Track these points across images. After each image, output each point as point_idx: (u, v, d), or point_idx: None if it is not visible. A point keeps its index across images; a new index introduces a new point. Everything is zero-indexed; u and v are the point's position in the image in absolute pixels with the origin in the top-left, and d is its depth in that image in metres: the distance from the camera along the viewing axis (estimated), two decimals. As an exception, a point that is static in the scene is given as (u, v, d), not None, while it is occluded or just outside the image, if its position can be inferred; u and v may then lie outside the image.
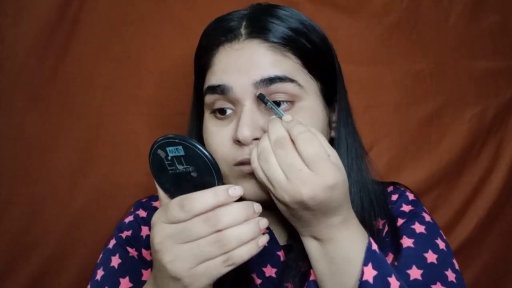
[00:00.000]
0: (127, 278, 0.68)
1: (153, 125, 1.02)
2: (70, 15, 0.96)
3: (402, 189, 0.75)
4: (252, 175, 0.59)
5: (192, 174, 0.50)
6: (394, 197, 0.73)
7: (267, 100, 0.57)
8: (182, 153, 0.49)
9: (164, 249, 0.48)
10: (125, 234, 0.72)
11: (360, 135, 0.73)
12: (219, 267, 0.47)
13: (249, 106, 0.59)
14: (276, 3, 0.67)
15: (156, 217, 0.50)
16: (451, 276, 0.62)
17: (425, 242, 0.65)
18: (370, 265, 0.54)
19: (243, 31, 0.61)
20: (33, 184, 0.97)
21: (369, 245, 0.56)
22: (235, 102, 0.60)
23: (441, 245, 0.65)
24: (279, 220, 0.68)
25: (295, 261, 0.64)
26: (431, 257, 0.63)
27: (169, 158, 0.50)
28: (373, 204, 0.67)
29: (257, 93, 0.58)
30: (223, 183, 0.50)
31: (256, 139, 0.58)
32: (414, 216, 0.68)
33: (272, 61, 0.59)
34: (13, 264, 0.97)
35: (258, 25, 0.61)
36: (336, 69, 0.68)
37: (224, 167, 0.61)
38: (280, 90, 0.59)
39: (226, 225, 0.47)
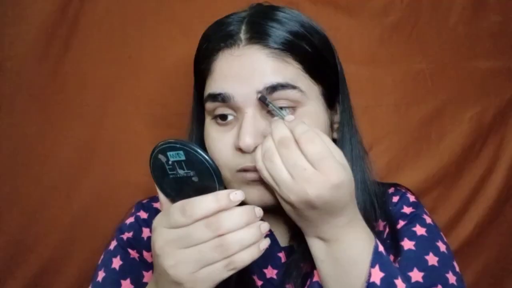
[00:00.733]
0: (128, 280, 0.67)
1: (153, 125, 1.02)
2: (70, 15, 0.96)
3: (403, 190, 0.75)
4: (255, 182, 0.59)
5: (193, 178, 0.50)
6: (395, 199, 0.72)
7: (269, 102, 0.57)
8: (183, 157, 0.49)
9: (166, 254, 0.48)
10: (126, 235, 0.72)
11: (361, 135, 0.73)
12: (221, 272, 0.47)
13: (250, 113, 0.58)
14: (276, 4, 0.66)
15: (157, 222, 0.50)
16: (452, 278, 0.62)
17: (426, 244, 0.64)
18: (377, 267, 0.54)
19: (242, 36, 0.59)
20: (33, 183, 0.97)
21: (376, 246, 0.55)
22: (236, 109, 0.59)
23: (442, 247, 0.65)
24: (280, 221, 0.68)
25: (297, 263, 0.63)
26: (432, 259, 0.63)
27: (170, 162, 0.50)
28: (374, 206, 0.67)
29: (258, 96, 0.58)
30: (224, 188, 0.50)
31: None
32: (415, 218, 0.68)
33: (273, 68, 0.58)
34: (13, 264, 0.97)
35: (258, 30, 0.59)
36: (338, 70, 0.67)
37: (226, 173, 0.60)
38: (282, 97, 0.58)
39: (228, 230, 0.47)
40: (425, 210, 0.72)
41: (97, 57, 0.99)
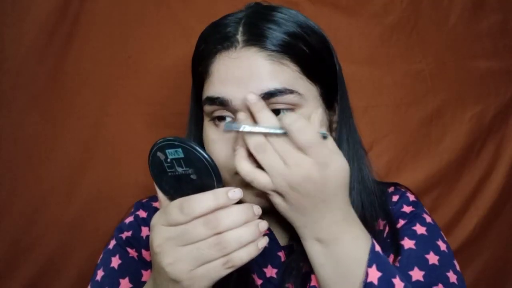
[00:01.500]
0: (127, 279, 0.67)
1: (153, 125, 1.02)
2: (70, 15, 0.96)
3: (403, 190, 0.75)
4: None
5: (191, 176, 0.50)
6: (395, 198, 0.72)
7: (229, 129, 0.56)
8: (181, 155, 0.49)
9: (164, 252, 0.47)
10: (125, 234, 0.72)
11: (360, 135, 0.73)
12: (219, 270, 0.47)
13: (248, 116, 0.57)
14: (273, 4, 0.66)
15: (156, 220, 0.50)
16: (452, 277, 0.62)
17: (426, 243, 0.64)
18: (374, 266, 0.54)
19: (239, 38, 0.59)
20: (33, 183, 0.97)
21: (373, 246, 0.55)
22: (234, 112, 0.59)
23: (442, 246, 0.65)
24: (279, 221, 0.68)
25: (296, 262, 0.63)
26: (432, 258, 0.63)
27: (169, 160, 0.50)
28: (374, 205, 0.67)
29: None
30: (222, 186, 0.50)
31: None
32: (415, 217, 0.68)
33: (270, 72, 0.57)
34: (13, 264, 0.97)
35: (255, 32, 0.59)
36: (337, 70, 0.67)
37: (225, 175, 0.60)
38: (280, 101, 0.58)
39: (226, 228, 0.47)
40: (425, 209, 0.71)
41: (97, 57, 0.99)
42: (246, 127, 0.54)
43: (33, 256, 0.98)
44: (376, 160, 1.09)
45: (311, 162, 0.51)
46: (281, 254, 0.67)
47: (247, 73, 0.57)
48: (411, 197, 0.73)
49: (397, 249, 0.64)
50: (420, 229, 0.66)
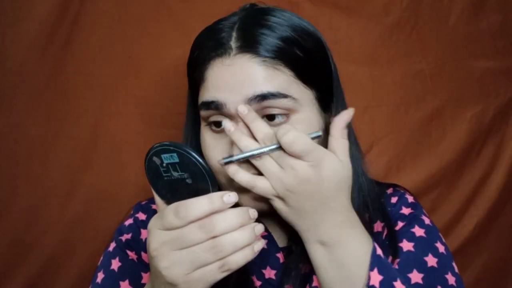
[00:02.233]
0: (127, 281, 0.68)
1: (153, 125, 1.02)
2: (70, 15, 0.96)
3: (402, 191, 0.75)
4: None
5: (187, 180, 0.50)
6: (394, 200, 0.72)
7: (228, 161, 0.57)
8: (176, 160, 0.49)
9: (160, 256, 0.48)
10: (125, 237, 0.72)
11: (360, 135, 0.73)
12: (214, 273, 0.47)
13: (243, 123, 0.58)
14: (268, 6, 0.66)
15: (152, 224, 0.50)
16: (451, 279, 0.62)
17: (425, 245, 0.64)
18: (376, 270, 0.54)
19: (233, 44, 0.59)
20: (33, 183, 0.98)
21: (374, 249, 0.55)
22: (230, 117, 0.59)
23: (441, 248, 0.65)
24: (278, 223, 0.68)
25: (295, 263, 0.63)
26: (431, 260, 0.63)
27: (164, 165, 0.50)
28: (371, 207, 0.67)
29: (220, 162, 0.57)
30: (218, 190, 0.50)
31: None
32: (413, 219, 0.68)
33: (264, 76, 0.57)
34: (13, 264, 0.97)
35: (248, 38, 0.58)
36: (332, 72, 0.66)
37: (222, 179, 0.60)
38: (274, 105, 0.58)
39: (221, 231, 0.47)
40: (424, 211, 0.71)
41: (97, 57, 0.99)
42: (240, 155, 0.55)
43: (33, 256, 0.98)
44: (376, 160, 1.09)
45: (305, 164, 0.52)
46: (279, 255, 0.67)
47: (241, 79, 0.57)
48: (410, 199, 0.72)
49: (396, 252, 0.63)
50: (418, 231, 0.66)
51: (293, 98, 0.58)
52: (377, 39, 1.09)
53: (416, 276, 0.61)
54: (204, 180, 0.50)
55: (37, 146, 0.97)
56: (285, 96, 0.57)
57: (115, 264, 0.69)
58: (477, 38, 1.14)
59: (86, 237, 1.00)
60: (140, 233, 0.73)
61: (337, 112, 0.65)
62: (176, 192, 0.51)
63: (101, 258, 0.71)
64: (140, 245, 0.72)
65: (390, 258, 0.63)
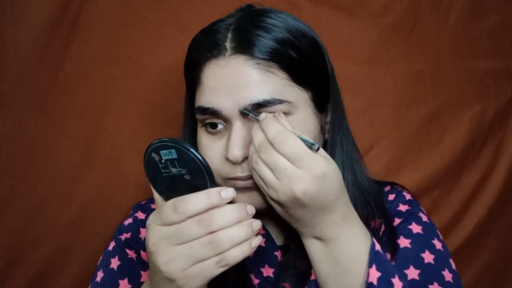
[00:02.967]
0: (126, 280, 0.68)
1: (153, 125, 1.02)
2: (70, 15, 0.96)
3: (399, 189, 0.75)
4: (245, 188, 0.60)
5: (185, 176, 0.51)
6: (391, 197, 0.72)
7: (245, 111, 0.57)
8: (175, 156, 0.50)
9: (159, 251, 0.48)
10: (124, 236, 0.72)
11: (360, 135, 0.73)
12: (212, 268, 0.48)
13: (238, 125, 0.58)
14: (264, 7, 0.66)
15: (151, 219, 0.51)
16: (448, 276, 0.62)
17: (422, 242, 0.65)
18: (374, 266, 0.54)
19: (228, 45, 0.59)
20: (33, 184, 0.98)
21: (373, 245, 0.56)
22: (225, 120, 0.60)
23: (438, 245, 0.65)
24: (276, 221, 0.68)
25: (293, 261, 0.64)
26: (428, 257, 0.63)
27: (163, 161, 0.51)
28: (369, 205, 0.67)
29: (240, 112, 0.58)
30: (216, 185, 0.51)
31: (247, 157, 0.58)
32: (410, 216, 0.68)
33: (258, 81, 0.57)
34: (13, 264, 0.97)
35: (244, 39, 0.59)
36: (329, 73, 0.66)
37: (218, 179, 0.61)
38: (270, 111, 0.58)
39: (219, 227, 0.47)
40: (421, 208, 0.71)
41: (97, 57, 0.99)
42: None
43: (33, 256, 0.99)
44: (376, 160, 1.09)
45: (306, 176, 0.51)
46: (277, 253, 0.67)
47: (235, 82, 0.58)
48: (407, 196, 0.73)
49: (393, 248, 0.64)
50: (416, 228, 0.66)
51: (289, 102, 0.58)
52: (377, 39, 1.09)
53: (412, 272, 0.61)
54: (202, 176, 0.50)
55: (37, 146, 0.97)
56: (280, 101, 0.58)
57: (115, 263, 0.69)
58: (477, 38, 1.14)
59: (85, 237, 1.00)
60: (139, 232, 0.73)
61: (334, 112, 0.66)
62: (175, 188, 0.51)
63: (101, 257, 0.72)
64: (139, 244, 0.72)
65: (388, 255, 0.63)
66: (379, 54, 1.09)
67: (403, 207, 0.70)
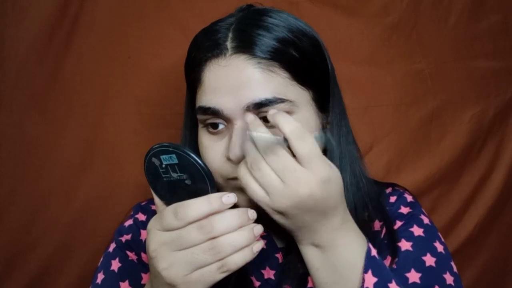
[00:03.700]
0: (127, 282, 0.68)
1: (153, 125, 1.02)
2: (70, 15, 0.96)
3: (401, 190, 0.75)
4: None
5: (186, 182, 0.50)
6: (393, 199, 0.72)
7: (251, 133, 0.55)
8: (175, 161, 0.50)
9: (159, 257, 0.48)
10: (125, 238, 0.72)
11: (360, 135, 0.73)
12: (213, 274, 0.47)
13: (239, 125, 0.58)
14: (264, 7, 0.66)
15: (151, 225, 0.50)
16: (449, 279, 0.62)
17: (423, 245, 0.64)
18: (370, 272, 0.54)
19: (229, 45, 0.58)
20: (33, 183, 0.98)
21: (369, 251, 0.55)
22: (226, 120, 0.59)
23: (439, 248, 0.65)
24: (277, 223, 0.68)
25: (294, 263, 0.63)
26: (429, 260, 0.63)
27: (163, 166, 0.51)
28: (368, 206, 0.67)
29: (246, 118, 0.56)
30: (217, 191, 0.50)
31: None
32: (412, 219, 0.68)
33: (260, 81, 0.57)
34: (13, 263, 0.97)
35: (245, 39, 0.58)
36: (329, 72, 0.66)
37: (219, 179, 0.60)
38: (271, 109, 0.57)
39: (220, 232, 0.47)
40: (423, 210, 0.71)
41: (97, 57, 0.99)
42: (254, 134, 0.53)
43: (33, 256, 0.98)
44: (376, 160, 1.09)
45: (312, 179, 0.50)
46: (278, 255, 0.67)
47: (237, 82, 0.57)
48: (409, 198, 0.72)
49: (394, 251, 0.63)
50: (417, 231, 0.66)
51: (290, 101, 0.58)
52: (377, 39, 1.09)
53: (414, 276, 0.61)
54: (203, 181, 0.50)
55: (37, 146, 0.97)
56: (282, 100, 0.57)
57: (115, 264, 0.69)
58: (477, 38, 1.14)
59: (85, 237, 1.00)
60: (140, 234, 0.73)
61: (334, 112, 0.65)
62: (175, 193, 0.51)
63: (101, 259, 0.71)
64: (140, 246, 0.72)
65: (389, 258, 0.63)
66: (379, 54, 1.09)
67: (404, 209, 0.70)
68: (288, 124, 0.51)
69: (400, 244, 0.64)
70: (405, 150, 1.12)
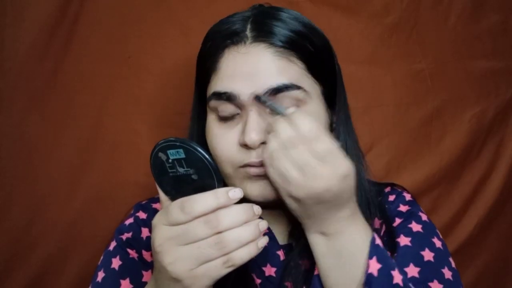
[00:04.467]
0: (127, 280, 0.68)
1: (153, 125, 1.02)
2: (70, 15, 0.96)
3: (399, 190, 0.76)
4: (258, 176, 0.59)
5: (192, 176, 0.51)
6: (392, 198, 0.73)
7: (265, 101, 0.58)
8: (182, 156, 0.50)
9: (165, 251, 0.48)
10: (125, 236, 0.72)
11: (360, 135, 0.74)
12: (219, 269, 0.48)
13: (255, 111, 0.59)
14: (277, 5, 0.67)
15: (157, 219, 0.51)
16: (447, 274, 0.63)
17: (422, 240, 0.65)
18: (374, 258, 0.55)
19: (249, 34, 0.61)
20: (33, 183, 0.97)
21: (373, 239, 0.57)
22: (241, 107, 0.60)
23: (438, 243, 0.66)
24: (278, 219, 0.69)
25: (295, 260, 0.64)
26: (428, 255, 0.64)
27: (170, 161, 0.51)
28: (370, 204, 0.68)
29: (256, 97, 0.58)
30: (223, 186, 0.51)
31: (263, 143, 0.58)
32: (411, 216, 0.69)
33: (278, 68, 0.59)
34: (13, 264, 0.97)
35: (263, 29, 0.60)
36: (336, 71, 0.68)
37: (229, 169, 0.61)
38: (287, 96, 0.59)
39: (226, 227, 0.47)
40: (421, 208, 0.72)
41: (97, 57, 0.99)
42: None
43: (33, 256, 0.98)
44: (376, 160, 1.09)
45: (331, 173, 0.52)
46: (280, 253, 0.68)
47: (255, 68, 0.59)
48: (408, 197, 0.74)
49: (394, 247, 0.65)
50: (416, 227, 0.67)
51: (305, 90, 0.60)
52: (377, 39, 1.09)
53: (412, 270, 0.62)
54: (210, 176, 0.50)
55: (37, 146, 0.97)
56: (298, 87, 0.59)
57: (116, 263, 0.69)
58: (477, 38, 1.14)
59: (86, 237, 1.00)
60: (140, 232, 0.73)
61: (340, 111, 0.66)
62: (181, 188, 0.51)
63: (102, 257, 0.72)
64: (140, 244, 0.72)
65: (388, 254, 0.64)
66: (379, 54, 1.10)
67: (403, 208, 0.71)
68: (304, 124, 0.52)
69: (399, 239, 0.65)
70: (405, 150, 1.12)
